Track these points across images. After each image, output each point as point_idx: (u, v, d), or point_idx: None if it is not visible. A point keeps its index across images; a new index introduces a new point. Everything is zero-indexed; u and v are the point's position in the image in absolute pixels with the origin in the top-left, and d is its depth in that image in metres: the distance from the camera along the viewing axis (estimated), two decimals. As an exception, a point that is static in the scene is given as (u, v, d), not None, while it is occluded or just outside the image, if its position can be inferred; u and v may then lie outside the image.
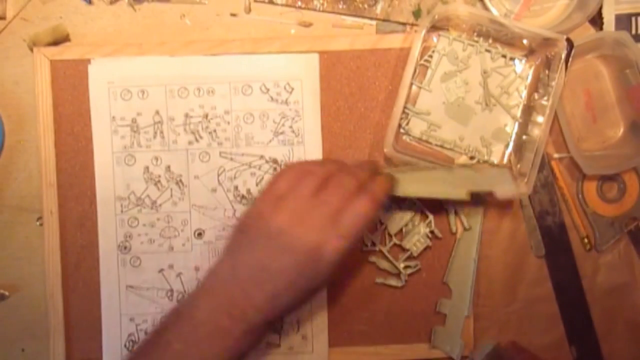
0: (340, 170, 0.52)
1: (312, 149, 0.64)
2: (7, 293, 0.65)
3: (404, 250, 0.65)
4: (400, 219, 0.64)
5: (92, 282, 0.64)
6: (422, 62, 0.64)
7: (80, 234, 0.64)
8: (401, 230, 0.65)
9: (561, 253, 0.66)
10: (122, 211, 0.64)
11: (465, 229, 0.64)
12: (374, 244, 0.65)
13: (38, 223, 0.65)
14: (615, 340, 0.66)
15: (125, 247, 0.64)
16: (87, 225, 0.64)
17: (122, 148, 0.64)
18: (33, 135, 0.64)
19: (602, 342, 0.66)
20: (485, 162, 0.64)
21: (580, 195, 0.66)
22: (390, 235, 0.65)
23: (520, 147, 0.64)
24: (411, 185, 0.58)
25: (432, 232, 0.64)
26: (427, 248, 0.65)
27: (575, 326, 0.66)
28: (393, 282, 0.65)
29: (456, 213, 0.64)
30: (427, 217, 0.64)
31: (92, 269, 0.64)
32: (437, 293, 0.65)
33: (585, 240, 0.66)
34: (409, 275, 0.65)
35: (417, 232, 0.64)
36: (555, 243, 0.66)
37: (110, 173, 0.64)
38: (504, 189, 0.59)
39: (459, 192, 0.58)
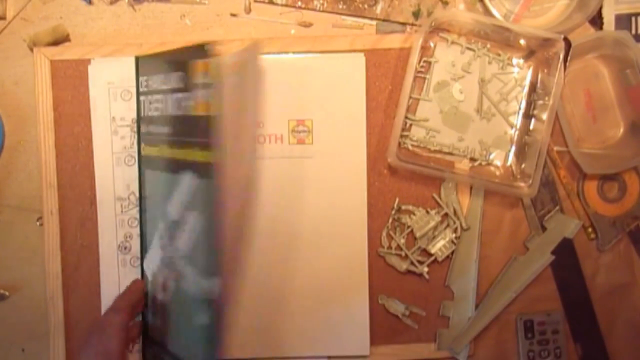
0: None
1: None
2: (7, 293, 0.65)
3: (429, 254, 0.64)
4: (426, 223, 0.64)
5: (92, 282, 0.64)
6: (417, 71, 0.63)
7: (80, 234, 0.64)
8: (426, 234, 0.64)
9: (565, 252, 0.65)
10: (122, 211, 0.64)
11: (464, 229, 0.65)
12: (399, 248, 0.64)
13: (38, 223, 0.65)
14: (616, 340, 0.66)
15: (125, 247, 0.64)
16: (87, 225, 0.64)
17: (122, 148, 0.63)
18: (33, 135, 0.64)
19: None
20: (487, 164, 0.64)
21: (581, 196, 0.66)
22: (415, 239, 0.64)
23: (522, 149, 0.64)
24: None
25: (457, 237, 0.64)
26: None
27: (580, 324, 0.66)
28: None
29: (455, 213, 0.65)
30: (454, 222, 0.64)
31: (92, 269, 0.64)
32: (439, 296, 0.65)
33: (590, 229, 0.65)
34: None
35: (443, 237, 0.64)
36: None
37: (110, 173, 0.64)
38: None
39: None
